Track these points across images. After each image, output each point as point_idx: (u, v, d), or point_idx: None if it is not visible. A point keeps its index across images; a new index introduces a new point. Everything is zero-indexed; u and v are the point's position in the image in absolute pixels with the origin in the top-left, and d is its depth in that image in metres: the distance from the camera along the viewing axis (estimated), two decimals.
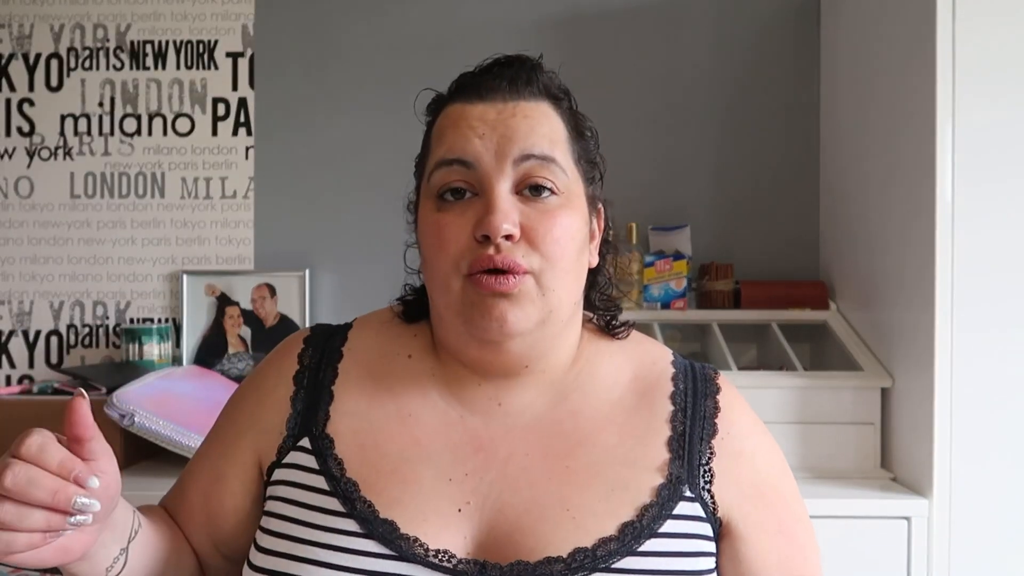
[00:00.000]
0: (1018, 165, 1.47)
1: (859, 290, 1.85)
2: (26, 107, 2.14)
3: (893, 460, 1.64)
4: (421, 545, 0.69)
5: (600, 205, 0.80)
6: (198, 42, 2.14)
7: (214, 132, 2.13)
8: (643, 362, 0.81)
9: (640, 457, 0.75)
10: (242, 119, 2.13)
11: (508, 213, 0.70)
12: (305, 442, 0.76)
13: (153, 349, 1.98)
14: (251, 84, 2.13)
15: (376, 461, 0.74)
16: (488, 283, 0.69)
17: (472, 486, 0.73)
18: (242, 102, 2.13)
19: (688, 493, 0.74)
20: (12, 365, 2.13)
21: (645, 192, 2.10)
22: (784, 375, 1.71)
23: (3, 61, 2.15)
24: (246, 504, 0.79)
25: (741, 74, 2.10)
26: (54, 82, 2.15)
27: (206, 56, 2.14)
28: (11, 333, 2.13)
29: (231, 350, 2.07)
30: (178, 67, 2.14)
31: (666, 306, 1.94)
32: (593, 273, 0.81)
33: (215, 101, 2.14)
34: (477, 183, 0.72)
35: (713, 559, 0.75)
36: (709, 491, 0.75)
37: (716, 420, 0.79)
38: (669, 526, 0.72)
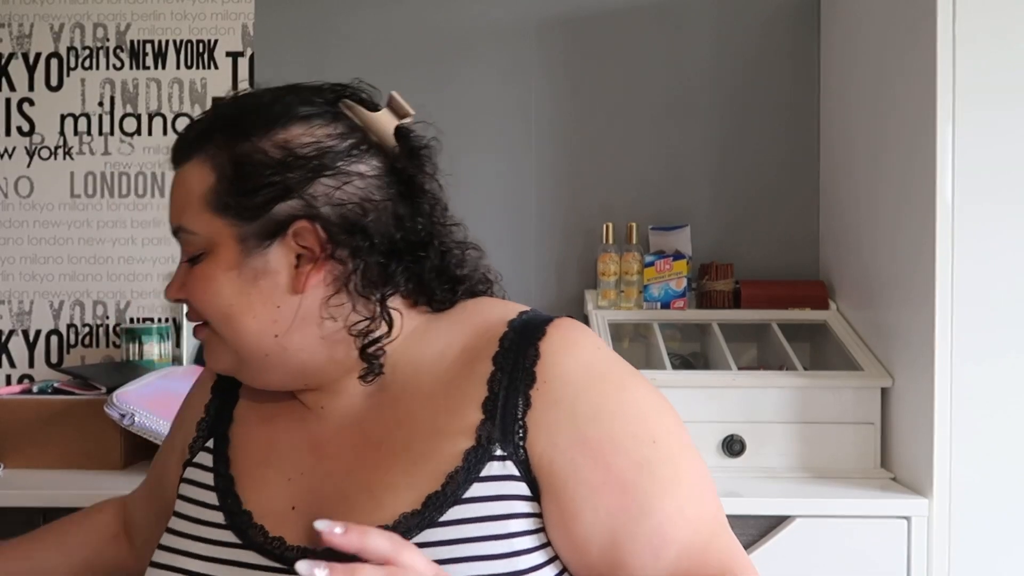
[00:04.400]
0: (1019, 165, 1.47)
1: (859, 290, 1.85)
2: (26, 107, 2.14)
3: (893, 460, 1.65)
4: (263, 534, 0.75)
5: (308, 221, 0.73)
6: (198, 42, 2.14)
7: None
8: (476, 331, 0.78)
9: (448, 424, 0.73)
10: None
11: (174, 281, 0.79)
12: (211, 443, 0.84)
13: (153, 349, 1.98)
14: (251, 84, 2.13)
15: (245, 461, 0.81)
16: None
17: (305, 484, 0.76)
18: None
19: (499, 452, 0.71)
20: (12, 365, 2.13)
21: (645, 192, 2.10)
22: (784, 375, 1.71)
23: (3, 61, 2.15)
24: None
25: (741, 74, 2.10)
26: (54, 82, 2.15)
27: (206, 56, 2.14)
28: (11, 333, 2.13)
29: None
30: (178, 67, 2.14)
31: (666, 306, 1.94)
32: (420, 258, 0.78)
33: (215, 101, 2.14)
34: None
35: (531, 520, 0.71)
36: (523, 447, 0.71)
37: (535, 369, 0.73)
38: (476, 490, 0.70)
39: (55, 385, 1.81)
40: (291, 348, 0.75)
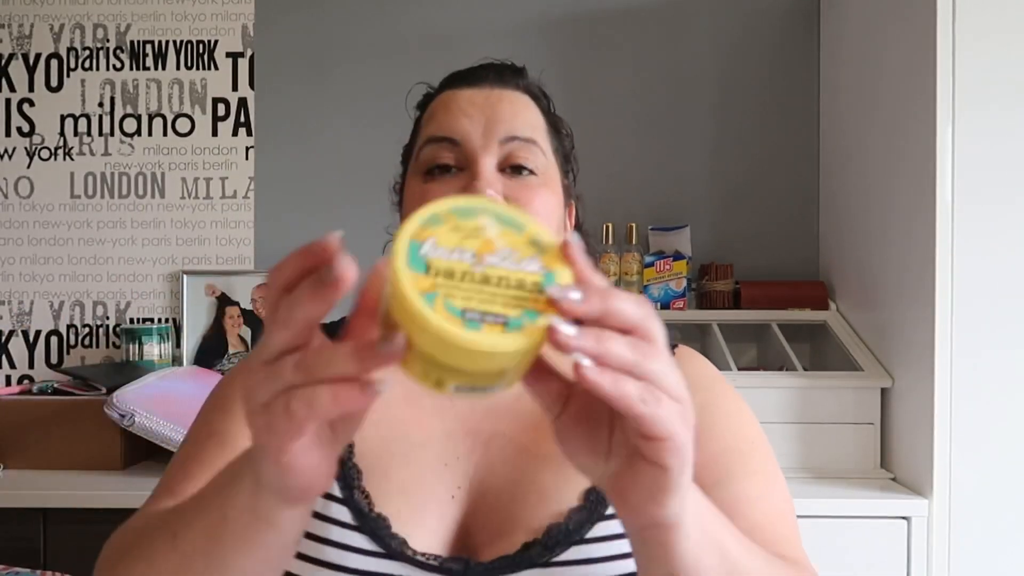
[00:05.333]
0: (1018, 165, 1.47)
1: (859, 290, 1.85)
2: (26, 107, 2.14)
3: (893, 460, 1.65)
4: (408, 547, 0.68)
5: (572, 200, 0.85)
6: (198, 42, 2.14)
7: (214, 132, 2.13)
8: None
9: None
10: (242, 119, 2.13)
11: (491, 182, 0.74)
12: None
13: (153, 349, 1.98)
14: (251, 84, 2.13)
15: (387, 444, 0.73)
16: None
17: (463, 470, 0.73)
18: (242, 102, 2.13)
19: None
20: (12, 365, 2.13)
21: (645, 192, 2.10)
22: (784, 375, 1.71)
23: (3, 61, 2.15)
24: None
25: (741, 75, 2.10)
26: (54, 82, 2.14)
27: (206, 56, 2.14)
28: (11, 333, 2.13)
29: (231, 350, 2.07)
30: (178, 67, 2.14)
31: (666, 306, 1.94)
32: None
33: (215, 101, 2.14)
34: (463, 160, 0.76)
35: None
36: None
37: None
38: None
39: (55, 385, 1.81)
40: None
